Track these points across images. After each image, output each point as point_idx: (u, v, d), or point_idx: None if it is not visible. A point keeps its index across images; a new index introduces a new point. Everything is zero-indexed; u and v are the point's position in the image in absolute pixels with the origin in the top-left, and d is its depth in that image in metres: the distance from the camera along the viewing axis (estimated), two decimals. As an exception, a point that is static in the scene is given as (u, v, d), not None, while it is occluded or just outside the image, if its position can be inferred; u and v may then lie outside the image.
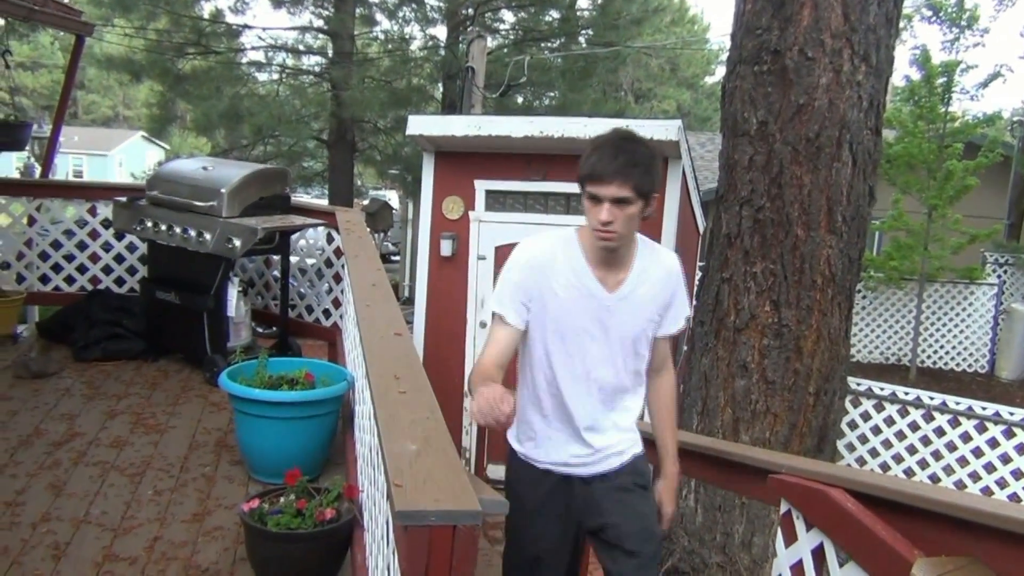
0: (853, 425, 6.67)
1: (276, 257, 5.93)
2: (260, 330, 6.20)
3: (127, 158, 40.80)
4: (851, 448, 6.63)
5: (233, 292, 5.21)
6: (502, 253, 6.87)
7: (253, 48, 15.87)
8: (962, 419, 6.32)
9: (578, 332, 2.33)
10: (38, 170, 7.46)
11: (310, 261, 6.33)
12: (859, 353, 13.50)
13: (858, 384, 6.69)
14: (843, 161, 4.81)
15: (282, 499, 3.14)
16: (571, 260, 2.33)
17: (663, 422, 2.59)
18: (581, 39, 16.48)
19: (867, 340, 13.74)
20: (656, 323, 2.41)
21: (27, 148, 7.61)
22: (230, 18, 15.45)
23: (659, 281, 2.37)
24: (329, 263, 6.19)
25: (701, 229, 8.86)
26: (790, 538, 1.95)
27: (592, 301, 2.31)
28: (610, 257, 2.29)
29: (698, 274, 9.38)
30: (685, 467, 2.67)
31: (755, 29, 5.01)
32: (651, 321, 2.39)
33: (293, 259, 6.02)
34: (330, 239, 6.17)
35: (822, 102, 4.79)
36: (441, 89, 16.47)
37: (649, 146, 2.24)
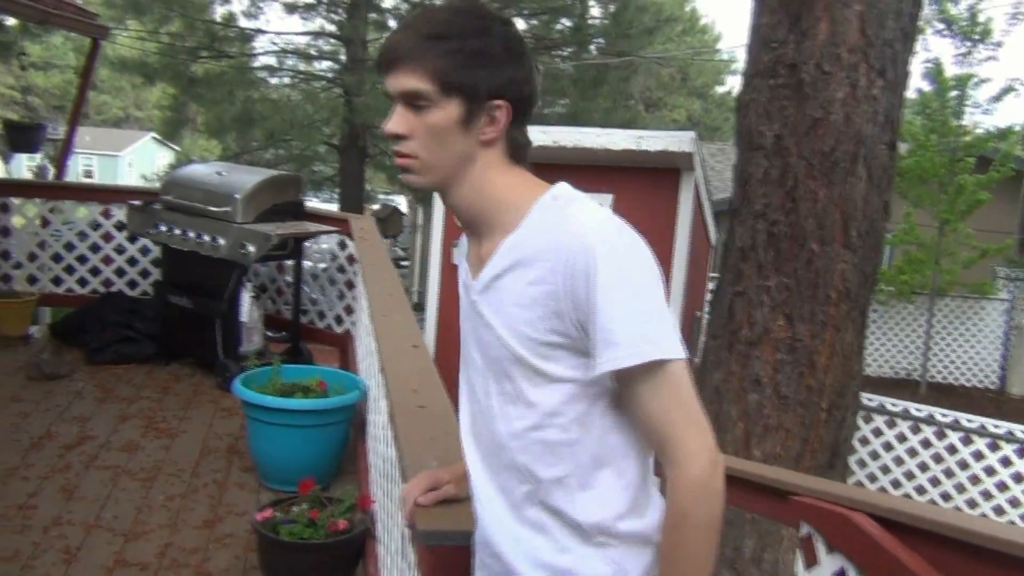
0: (864, 441, 6.64)
1: (288, 262, 5.94)
2: (270, 335, 6.20)
3: (137, 159, 40.99)
4: (862, 464, 6.60)
5: (246, 297, 5.22)
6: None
7: (266, 53, 15.95)
8: (974, 437, 6.29)
9: (464, 350, 1.44)
10: (51, 171, 7.48)
11: (321, 266, 6.34)
12: (868, 367, 13.45)
13: (869, 400, 6.66)
14: (858, 176, 4.81)
15: (294, 508, 3.14)
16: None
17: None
18: (593, 48, 16.52)
19: (877, 354, 13.69)
20: (545, 344, 1.25)
21: (41, 149, 7.65)
22: (243, 22, 15.54)
23: (543, 266, 1.23)
24: (341, 269, 6.19)
25: (713, 241, 8.86)
26: (811, 561, 1.94)
27: (465, 297, 1.42)
28: (467, 219, 1.36)
29: (709, 286, 9.37)
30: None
31: (771, 42, 5.01)
32: (530, 340, 1.26)
33: (305, 264, 6.03)
34: (342, 245, 6.17)
35: (838, 116, 4.79)
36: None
37: (479, 15, 1.28)
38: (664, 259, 6.52)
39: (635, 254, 1.23)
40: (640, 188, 6.52)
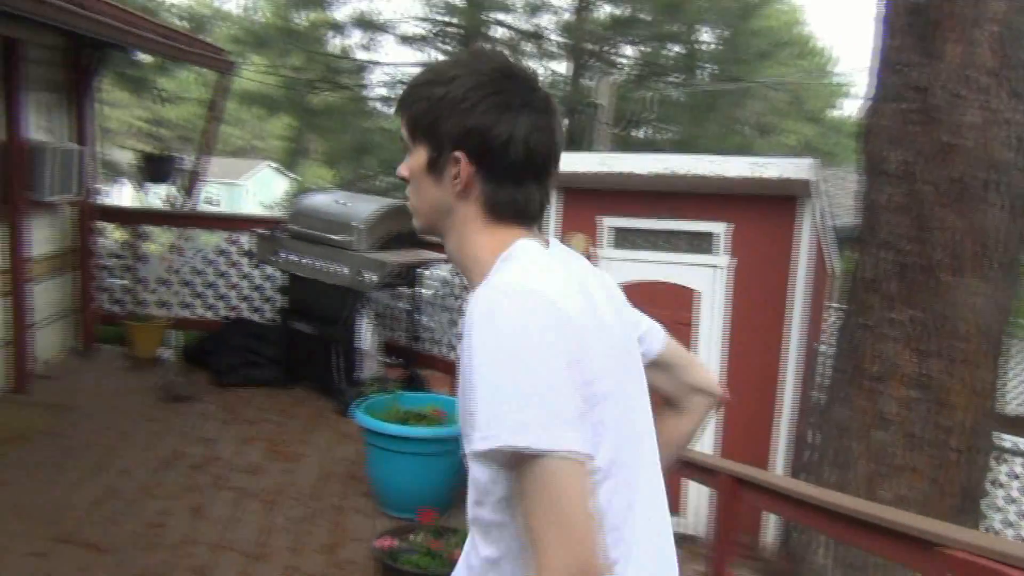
0: (999, 484, 6.25)
1: (404, 289, 6.05)
2: (387, 361, 6.31)
3: (256, 187, 42.69)
4: (997, 509, 6.21)
5: (365, 324, 5.33)
6: (626, 291, 6.80)
7: (380, 84, 16.41)
8: (1124, 482, 5.83)
9: None
10: (182, 201, 7.87)
11: (433, 292, 6.42)
12: (1002, 406, 12.70)
13: (1004, 440, 6.27)
14: (993, 203, 4.57)
15: (412, 536, 3.16)
16: None
17: None
18: (703, 73, 16.35)
19: (1010, 392, 12.92)
20: (472, 415, 1.12)
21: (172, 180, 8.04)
22: (359, 54, 16.04)
23: (464, 332, 1.15)
24: (455, 296, 6.26)
25: (833, 270, 8.56)
26: (961, 618, 1.82)
27: None
28: (461, 273, 1.34)
29: (826, 318, 9.05)
30: (826, 528, 2.52)
31: (899, 65, 4.83)
32: (465, 411, 1.17)
33: (420, 292, 6.12)
34: (455, 272, 6.24)
35: (971, 142, 4.57)
36: (566, 124, 16.62)
37: (460, 64, 1.26)
38: (781, 289, 6.34)
39: (517, 325, 1.07)
40: (757, 217, 6.35)
